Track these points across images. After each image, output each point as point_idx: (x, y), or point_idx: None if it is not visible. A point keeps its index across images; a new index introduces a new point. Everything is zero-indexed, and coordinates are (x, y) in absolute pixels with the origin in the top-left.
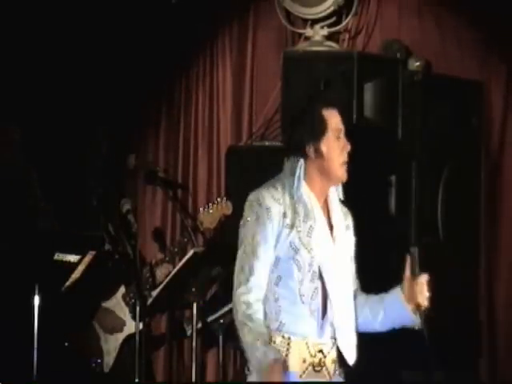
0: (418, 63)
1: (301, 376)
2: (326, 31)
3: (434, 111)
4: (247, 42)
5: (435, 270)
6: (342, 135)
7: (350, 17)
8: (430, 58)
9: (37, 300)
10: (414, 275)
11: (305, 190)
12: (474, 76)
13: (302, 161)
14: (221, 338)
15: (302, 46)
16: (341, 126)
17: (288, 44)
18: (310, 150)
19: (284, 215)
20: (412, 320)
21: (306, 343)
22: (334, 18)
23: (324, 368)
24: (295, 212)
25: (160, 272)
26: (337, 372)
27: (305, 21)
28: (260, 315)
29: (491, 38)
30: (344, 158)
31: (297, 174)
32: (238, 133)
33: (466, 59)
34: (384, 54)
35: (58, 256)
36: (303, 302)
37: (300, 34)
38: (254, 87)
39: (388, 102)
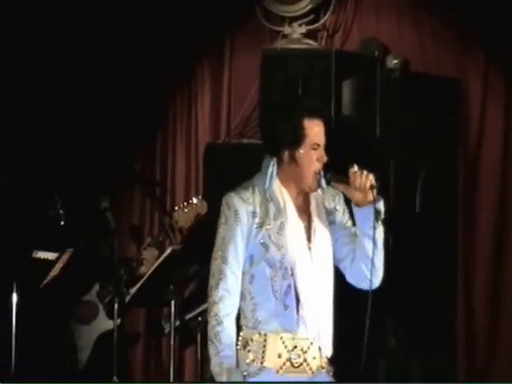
0: (395, 61)
1: (277, 372)
2: (304, 29)
3: (411, 109)
4: (225, 40)
5: (413, 266)
6: (321, 147)
7: (328, 15)
8: (407, 56)
9: (15, 298)
10: (347, 183)
11: (277, 187)
12: (452, 74)
13: (274, 159)
14: (199, 335)
15: (280, 43)
16: (320, 139)
17: (266, 42)
18: (285, 155)
19: (253, 214)
20: (370, 208)
21: (281, 338)
22: (312, 16)
23: (305, 364)
24: (266, 210)
25: (148, 255)
26: (323, 370)
27: (283, 19)
28: (229, 332)
29: (468, 37)
30: (316, 167)
31: (269, 172)
32: (216, 130)
33: (444, 57)
34: (362, 51)
35: (36, 254)
36: (276, 298)
37: (278, 32)
38: (232, 85)
39: (366, 99)
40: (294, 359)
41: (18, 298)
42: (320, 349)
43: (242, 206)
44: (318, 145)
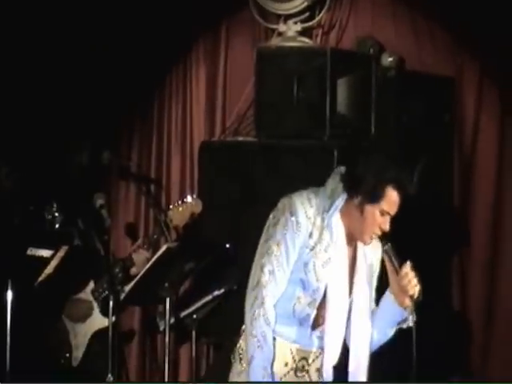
0: (391, 59)
1: (281, 379)
2: (299, 27)
3: (407, 107)
4: (221, 38)
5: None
6: (387, 217)
7: (323, 12)
8: (403, 54)
9: (9, 295)
10: (396, 270)
11: (336, 220)
12: (447, 72)
13: (345, 195)
14: (194, 333)
15: (276, 41)
16: (392, 210)
17: (261, 39)
18: (356, 200)
19: (310, 235)
20: (403, 315)
21: (291, 349)
22: (307, 14)
23: (306, 376)
24: (320, 236)
25: (137, 258)
26: (320, 379)
27: (278, 16)
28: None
29: (464, 35)
30: (376, 230)
31: (336, 203)
32: (211, 128)
33: (439, 56)
34: (357, 49)
35: (31, 251)
36: (294, 316)
37: (273, 30)
38: (228, 82)
39: (361, 97)
40: (299, 370)
41: (13, 295)
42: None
43: (305, 222)
44: (388, 213)
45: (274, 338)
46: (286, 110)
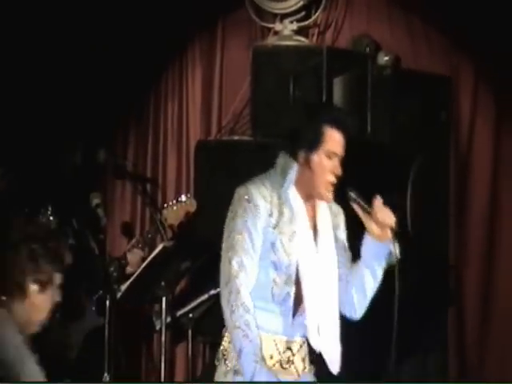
0: (387, 58)
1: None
2: (295, 26)
3: (403, 106)
4: (217, 37)
5: (403, 265)
6: (336, 158)
7: (319, 11)
8: (399, 52)
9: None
10: (368, 212)
11: (293, 193)
12: (443, 71)
13: (296, 165)
14: (190, 332)
15: (272, 40)
16: (337, 149)
17: (257, 38)
18: (302, 157)
19: (270, 214)
20: (387, 248)
21: (274, 340)
22: (303, 13)
23: (292, 366)
24: (280, 213)
25: (131, 257)
26: (306, 369)
27: (274, 15)
28: (255, 323)
29: (460, 34)
30: (330, 178)
31: (289, 176)
32: (207, 127)
33: (435, 54)
34: (353, 48)
35: None
36: (274, 301)
37: (269, 29)
38: (224, 81)
39: (357, 96)
40: (284, 361)
41: None
42: (308, 348)
43: (262, 203)
44: (335, 154)
45: (260, 334)
46: (282, 109)
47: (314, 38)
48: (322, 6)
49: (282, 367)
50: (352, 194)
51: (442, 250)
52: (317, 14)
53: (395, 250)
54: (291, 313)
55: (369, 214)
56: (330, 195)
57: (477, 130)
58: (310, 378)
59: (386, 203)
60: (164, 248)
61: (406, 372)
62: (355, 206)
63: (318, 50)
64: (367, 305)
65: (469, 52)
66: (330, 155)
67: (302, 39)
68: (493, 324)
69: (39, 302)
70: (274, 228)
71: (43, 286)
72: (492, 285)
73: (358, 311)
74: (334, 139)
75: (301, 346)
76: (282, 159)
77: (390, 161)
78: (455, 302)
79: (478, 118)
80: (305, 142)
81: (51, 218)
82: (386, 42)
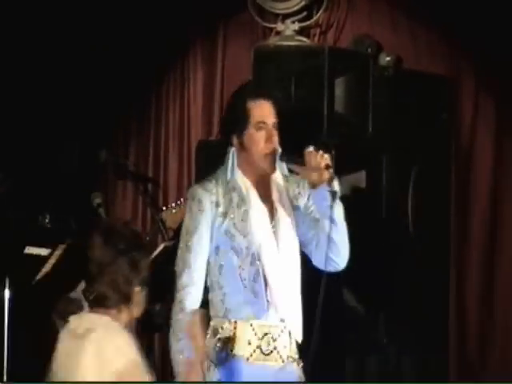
0: (388, 58)
1: (248, 359)
2: (297, 26)
3: (404, 106)
4: (218, 37)
5: (405, 264)
6: (269, 126)
7: (321, 12)
8: (400, 53)
9: (7, 293)
10: (300, 163)
11: (238, 176)
12: (444, 72)
13: (233, 149)
14: None
15: (273, 40)
16: (264, 117)
17: (259, 38)
18: (235, 141)
19: (217, 204)
20: (324, 189)
21: (251, 325)
22: (305, 13)
23: (275, 352)
24: (229, 200)
25: None
26: (294, 361)
27: (276, 15)
28: (190, 321)
29: (461, 35)
30: (267, 149)
31: (229, 162)
32: (208, 127)
33: (436, 55)
34: (355, 49)
35: (29, 249)
36: (245, 286)
37: (271, 29)
38: (225, 82)
39: (359, 97)
40: (264, 347)
41: (11, 293)
42: (290, 336)
43: (206, 196)
44: (264, 122)
45: (236, 322)
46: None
47: (316, 38)
48: (323, 7)
49: (263, 353)
50: (284, 158)
51: (443, 250)
52: (318, 14)
53: (335, 185)
54: (264, 294)
55: (304, 165)
56: (272, 165)
57: (478, 131)
58: (297, 369)
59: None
60: (165, 248)
61: (407, 372)
62: (294, 167)
63: (319, 50)
64: (345, 252)
65: (470, 53)
66: (259, 126)
67: (304, 39)
68: (494, 324)
69: (140, 300)
70: (225, 216)
71: (143, 284)
72: (493, 284)
73: (338, 262)
74: (259, 109)
75: (282, 331)
76: (228, 155)
77: (390, 161)
78: (456, 302)
79: (478, 119)
80: (234, 125)
81: (49, 226)
82: (387, 43)
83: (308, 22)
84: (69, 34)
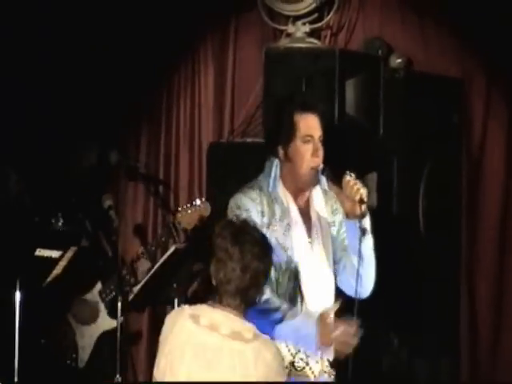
0: (399, 60)
1: None
2: (307, 28)
3: (415, 108)
4: (229, 39)
5: (416, 265)
6: (316, 140)
7: (331, 13)
8: (411, 55)
9: (18, 295)
10: (339, 186)
11: (280, 188)
12: (456, 73)
13: (277, 160)
14: None
15: (284, 42)
16: (312, 131)
17: (270, 40)
18: (281, 152)
19: (262, 214)
20: (355, 224)
21: (285, 341)
22: (315, 15)
23: (307, 368)
24: (272, 211)
25: (139, 266)
26: (325, 373)
27: (287, 17)
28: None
29: (472, 36)
30: (313, 163)
31: (272, 173)
32: (219, 129)
33: (447, 57)
34: (366, 50)
35: (40, 252)
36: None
37: (282, 31)
38: (236, 83)
39: (369, 98)
40: (297, 363)
41: (22, 295)
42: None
43: (252, 205)
44: (311, 136)
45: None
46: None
47: (327, 40)
48: (334, 8)
49: (296, 369)
50: (325, 173)
51: (454, 252)
52: (329, 16)
53: (365, 222)
54: (300, 311)
55: (341, 188)
56: (315, 179)
57: (489, 132)
58: (328, 380)
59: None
60: (176, 250)
61: (419, 377)
62: (331, 187)
63: (330, 52)
64: (370, 284)
65: (481, 54)
66: (305, 139)
67: (315, 41)
68: (506, 329)
69: None
70: (268, 227)
71: None
72: (504, 286)
73: (361, 292)
74: (306, 122)
75: None
76: (268, 162)
77: (402, 163)
78: (467, 306)
79: (490, 120)
80: (280, 136)
81: (61, 229)
82: (398, 45)
83: (319, 24)
84: (76, 34)
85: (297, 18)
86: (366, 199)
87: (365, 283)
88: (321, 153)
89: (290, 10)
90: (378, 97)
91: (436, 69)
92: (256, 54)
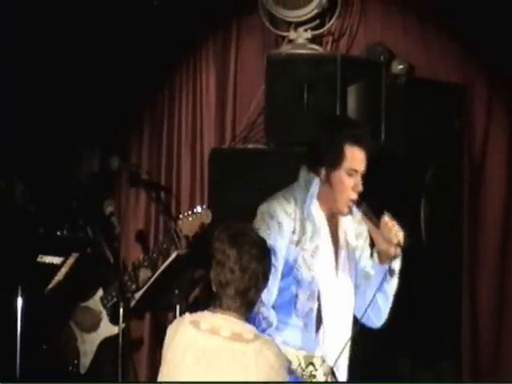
0: (401, 66)
1: None
2: (309, 34)
3: (416, 114)
4: (231, 45)
5: (418, 272)
6: (357, 175)
7: (333, 20)
8: (413, 61)
9: (20, 302)
10: (376, 224)
11: (315, 208)
12: (457, 79)
13: (318, 180)
14: None
15: (286, 48)
16: (357, 165)
17: (271, 47)
18: (323, 173)
19: (293, 231)
20: (383, 270)
21: (297, 356)
22: (317, 21)
23: (314, 380)
24: (303, 228)
25: (140, 273)
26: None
27: (288, 23)
28: None
29: (473, 42)
30: (351, 195)
31: (311, 191)
32: (221, 135)
33: (449, 62)
34: (367, 56)
35: (42, 258)
36: (298, 316)
37: (283, 37)
38: (238, 90)
39: (371, 104)
40: (307, 376)
41: (24, 301)
42: (332, 369)
43: (286, 220)
44: (355, 171)
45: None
46: (296, 117)
47: (328, 46)
48: (336, 14)
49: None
50: (363, 207)
51: (456, 257)
52: (331, 22)
53: (396, 264)
54: (314, 328)
55: (377, 227)
56: (350, 210)
57: (491, 138)
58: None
59: (396, 216)
60: (177, 256)
61: (421, 381)
62: (365, 220)
63: (332, 58)
64: (385, 317)
65: (483, 60)
66: (350, 173)
67: (316, 47)
68: (507, 333)
69: None
70: (297, 245)
71: None
72: (506, 290)
73: (374, 322)
74: (355, 157)
75: (323, 361)
76: (304, 173)
77: (403, 169)
78: (469, 311)
79: (492, 126)
80: (326, 159)
81: (65, 230)
82: (400, 51)
83: (320, 30)
84: (74, 35)
85: (298, 25)
86: (401, 242)
87: (381, 316)
88: (360, 188)
89: (291, 16)
90: (379, 102)
91: (438, 74)
92: (258, 57)
